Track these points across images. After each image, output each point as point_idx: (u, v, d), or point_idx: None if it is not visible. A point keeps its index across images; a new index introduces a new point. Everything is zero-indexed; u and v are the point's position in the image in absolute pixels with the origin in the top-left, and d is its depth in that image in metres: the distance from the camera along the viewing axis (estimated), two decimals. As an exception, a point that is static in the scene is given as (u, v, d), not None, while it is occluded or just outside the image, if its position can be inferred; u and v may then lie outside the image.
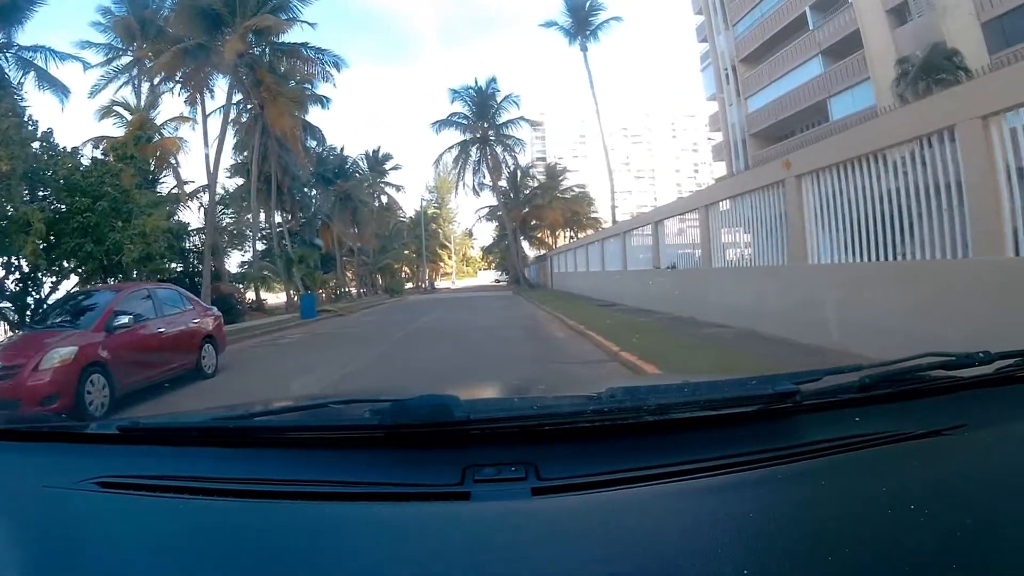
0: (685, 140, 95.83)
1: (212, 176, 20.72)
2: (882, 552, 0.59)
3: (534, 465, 0.77)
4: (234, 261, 28.22)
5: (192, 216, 23.21)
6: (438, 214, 64.81)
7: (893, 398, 0.92)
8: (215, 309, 9.09)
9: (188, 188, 24.40)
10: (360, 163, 40.14)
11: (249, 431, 0.94)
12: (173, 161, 23.24)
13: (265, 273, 25.71)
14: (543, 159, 43.44)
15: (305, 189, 32.50)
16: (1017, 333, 3.16)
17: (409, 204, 69.92)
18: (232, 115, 22.84)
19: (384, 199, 47.14)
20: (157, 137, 20.41)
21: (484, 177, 37.20)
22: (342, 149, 37.85)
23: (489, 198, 40.41)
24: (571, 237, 42.64)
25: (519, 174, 41.41)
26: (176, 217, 16.31)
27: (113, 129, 22.19)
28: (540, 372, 6.76)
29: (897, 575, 0.56)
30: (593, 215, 46.20)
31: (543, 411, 0.87)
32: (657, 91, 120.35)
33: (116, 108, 22.53)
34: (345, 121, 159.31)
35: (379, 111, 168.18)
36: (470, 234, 71.69)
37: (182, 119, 23.86)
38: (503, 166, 37.53)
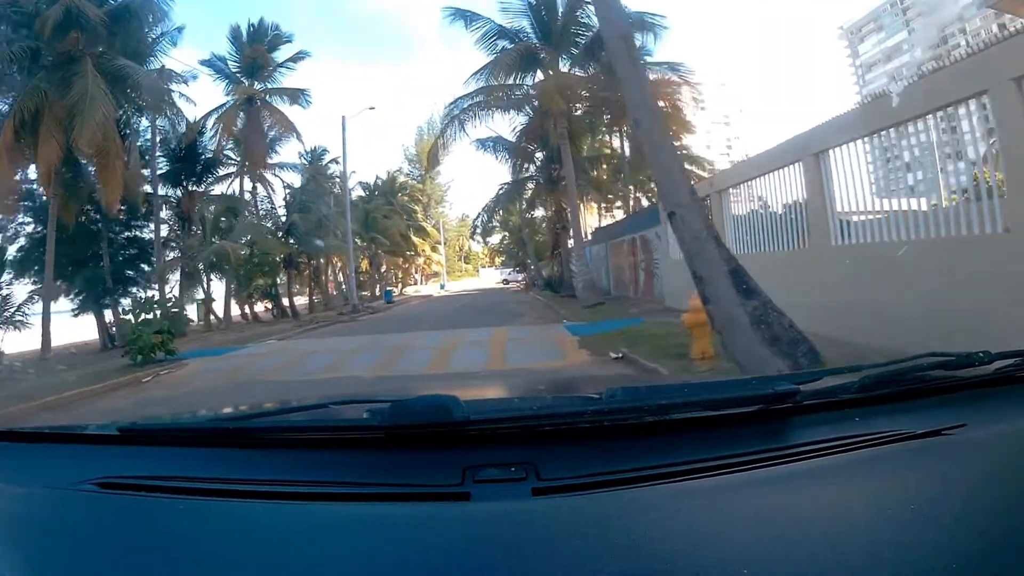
0: (715, 112, 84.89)
1: None
2: (882, 552, 0.60)
3: (534, 465, 0.80)
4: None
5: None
6: (414, 186, 45.49)
7: (893, 398, 0.95)
8: None
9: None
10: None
11: (249, 432, 0.98)
12: None
13: None
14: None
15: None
16: None
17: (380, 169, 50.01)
18: None
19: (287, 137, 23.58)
20: None
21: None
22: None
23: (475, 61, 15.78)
24: (611, 216, 25.55)
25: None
26: None
27: None
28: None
29: (897, 575, 0.58)
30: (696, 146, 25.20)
31: (543, 411, 0.90)
32: (683, 58, 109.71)
33: None
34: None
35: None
36: (443, 179, 48.33)
37: None
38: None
